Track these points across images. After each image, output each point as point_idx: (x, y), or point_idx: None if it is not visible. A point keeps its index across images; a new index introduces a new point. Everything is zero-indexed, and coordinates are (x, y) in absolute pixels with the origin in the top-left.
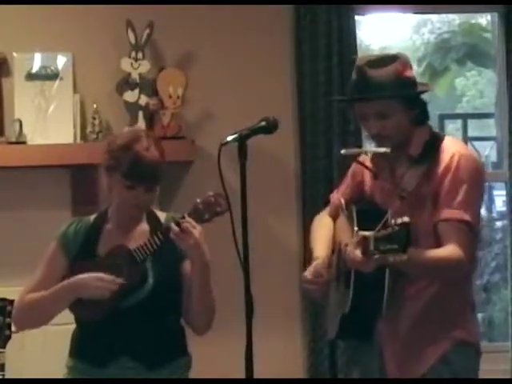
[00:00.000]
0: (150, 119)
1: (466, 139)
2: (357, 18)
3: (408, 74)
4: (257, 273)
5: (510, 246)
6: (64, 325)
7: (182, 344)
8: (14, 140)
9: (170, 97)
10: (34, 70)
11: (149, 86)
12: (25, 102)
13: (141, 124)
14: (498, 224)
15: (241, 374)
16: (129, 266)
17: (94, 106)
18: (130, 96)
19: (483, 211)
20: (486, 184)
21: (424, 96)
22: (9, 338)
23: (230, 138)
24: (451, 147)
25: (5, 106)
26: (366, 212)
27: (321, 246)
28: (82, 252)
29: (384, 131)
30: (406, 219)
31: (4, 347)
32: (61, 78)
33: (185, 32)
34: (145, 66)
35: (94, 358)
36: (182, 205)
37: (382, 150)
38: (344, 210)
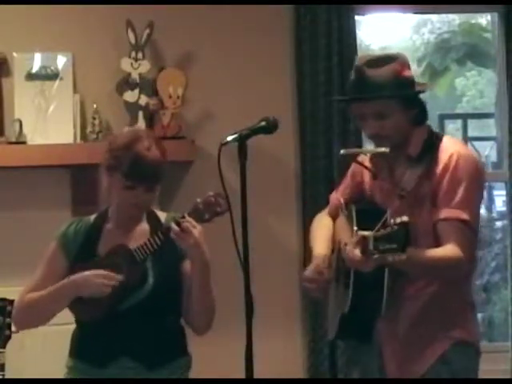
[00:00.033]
0: (150, 119)
1: (466, 139)
2: (357, 18)
3: (406, 73)
4: (257, 273)
5: (510, 245)
6: (64, 325)
7: (181, 344)
8: (14, 140)
9: (170, 97)
10: (34, 70)
11: (149, 86)
12: (25, 102)
13: (141, 124)
14: (498, 224)
15: (241, 374)
16: (129, 265)
17: (94, 106)
18: (130, 96)
19: (483, 211)
20: (486, 184)
21: (424, 96)
22: (9, 337)
23: (229, 138)
24: (450, 147)
25: (5, 106)
26: (365, 212)
27: (321, 245)
28: (82, 252)
29: (382, 131)
30: (405, 219)
31: (4, 347)
32: (61, 78)
33: (185, 32)
34: (145, 66)
35: (94, 358)
36: (182, 205)
37: (381, 150)
38: (343, 209)
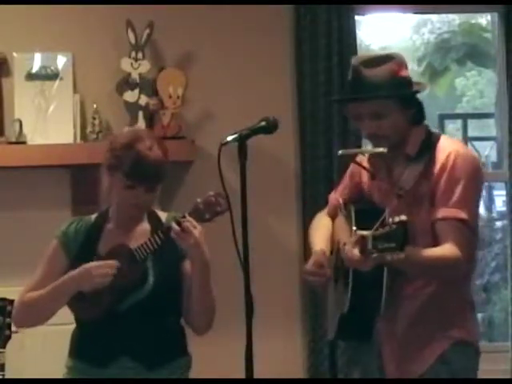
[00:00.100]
0: (150, 119)
1: (466, 139)
2: (357, 18)
3: (403, 73)
4: (257, 273)
5: (510, 245)
6: (64, 325)
7: (181, 344)
8: (14, 140)
9: (170, 97)
10: (34, 70)
11: (149, 86)
12: (25, 102)
13: (141, 124)
14: (498, 224)
15: (241, 374)
16: (129, 265)
17: (94, 105)
18: (130, 96)
19: (483, 211)
20: (486, 184)
21: (424, 96)
22: (9, 338)
23: (229, 138)
24: (448, 146)
25: (5, 105)
26: (364, 211)
27: (320, 243)
28: (82, 251)
29: (380, 131)
30: (403, 218)
31: (4, 347)
32: (61, 78)
33: (185, 32)
34: (145, 66)
35: (93, 358)
36: (183, 205)
37: (379, 150)
38: (342, 209)
